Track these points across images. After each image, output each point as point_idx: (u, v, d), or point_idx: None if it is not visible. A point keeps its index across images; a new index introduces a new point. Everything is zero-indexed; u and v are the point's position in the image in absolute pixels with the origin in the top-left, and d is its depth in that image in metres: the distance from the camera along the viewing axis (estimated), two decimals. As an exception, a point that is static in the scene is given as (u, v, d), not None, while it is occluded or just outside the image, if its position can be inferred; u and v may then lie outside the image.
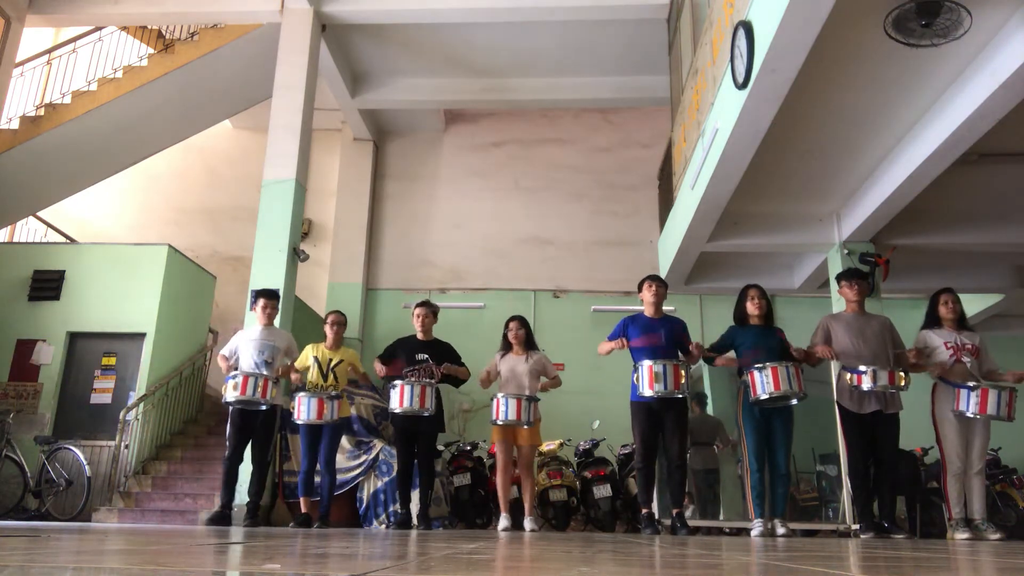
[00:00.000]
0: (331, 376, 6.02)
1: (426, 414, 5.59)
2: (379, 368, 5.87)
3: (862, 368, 4.85)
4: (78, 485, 7.33)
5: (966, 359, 5.04)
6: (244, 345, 6.04)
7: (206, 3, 8.69)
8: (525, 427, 5.62)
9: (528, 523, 5.67)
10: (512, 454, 5.82)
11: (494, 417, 5.58)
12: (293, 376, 6.08)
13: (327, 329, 6.18)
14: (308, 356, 6.12)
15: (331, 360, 6.07)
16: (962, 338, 5.13)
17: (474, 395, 8.87)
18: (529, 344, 5.90)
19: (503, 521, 5.70)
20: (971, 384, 4.88)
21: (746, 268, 8.32)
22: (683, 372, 5.01)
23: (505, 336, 5.92)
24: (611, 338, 5.38)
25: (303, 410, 5.78)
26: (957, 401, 4.89)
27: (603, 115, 11.62)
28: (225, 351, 6.11)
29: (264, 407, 5.83)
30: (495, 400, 5.61)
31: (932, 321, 5.26)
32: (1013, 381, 4.96)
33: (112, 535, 3.66)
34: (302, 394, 5.84)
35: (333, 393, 5.88)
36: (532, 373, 5.78)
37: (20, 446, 7.51)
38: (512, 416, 5.50)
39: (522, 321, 5.93)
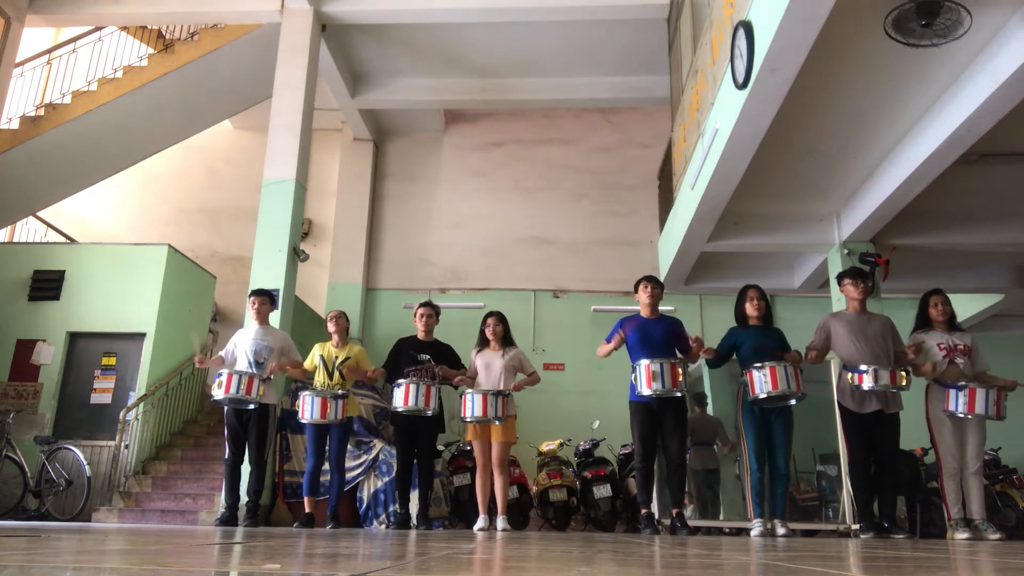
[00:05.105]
0: (336, 374, 6.02)
1: (429, 414, 5.59)
2: (380, 372, 5.89)
3: (863, 367, 4.85)
4: (78, 485, 7.34)
5: (959, 360, 5.05)
6: (240, 345, 6.06)
7: (206, 3, 8.69)
8: (496, 423, 5.55)
9: (500, 522, 5.61)
10: (489, 452, 5.71)
11: (462, 414, 5.57)
12: (295, 372, 6.10)
13: (330, 326, 6.19)
14: (315, 356, 6.13)
15: (336, 358, 6.07)
16: (954, 339, 5.14)
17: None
18: (507, 340, 5.87)
19: (480, 521, 5.69)
20: (960, 384, 4.90)
21: (746, 268, 8.32)
22: (680, 371, 5.01)
23: (482, 332, 5.89)
24: (608, 340, 5.38)
25: (307, 409, 5.78)
26: (947, 401, 4.91)
27: (603, 115, 11.62)
28: (223, 351, 6.14)
29: (252, 406, 5.84)
30: (462, 397, 5.58)
31: (923, 323, 5.26)
32: (1004, 384, 4.96)
33: (112, 535, 3.66)
34: (306, 392, 5.84)
35: (339, 392, 5.88)
36: (508, 369, 5.74)
37: (20, 446, 7.51)
38: (479, 412, 5.43)
39: (500, 317, 5.90)
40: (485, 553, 2.60)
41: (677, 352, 5.23)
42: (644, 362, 5.00)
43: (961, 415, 4.87)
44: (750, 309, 5.29)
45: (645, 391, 4.98)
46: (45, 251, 8.89)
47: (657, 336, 5.23)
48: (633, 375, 5.09)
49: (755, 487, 5.01)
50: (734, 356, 5.29)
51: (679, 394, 5.04)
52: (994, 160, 6.01)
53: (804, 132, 5.82)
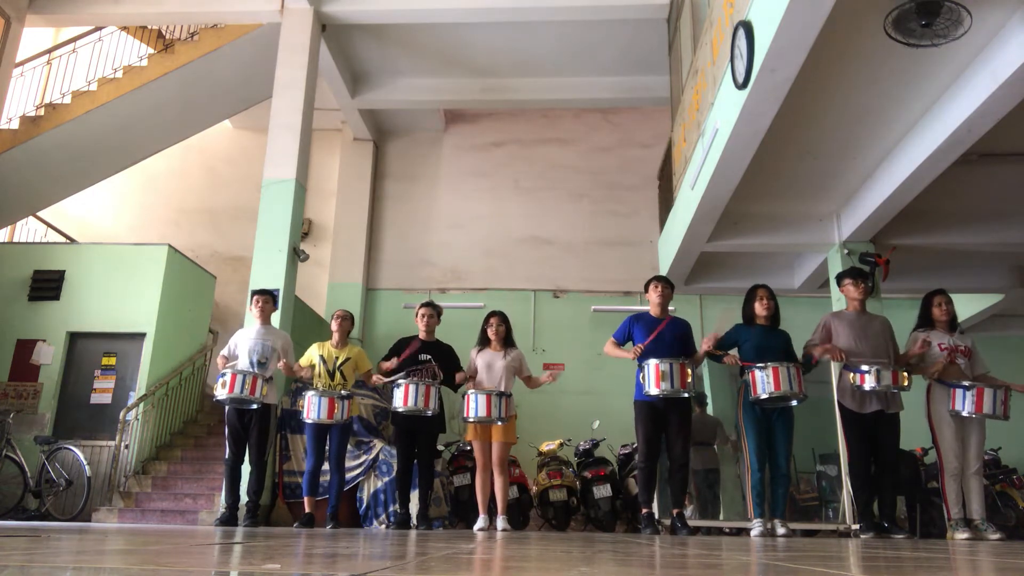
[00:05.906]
0: (338, 375, 6.02)
1: (429, 414, 5.59)
2: (385, 366, 5.85)
3: (865, 367, 4.85)
4: (78, 485, 7.33)
5: (960, 360, 5.05)
6: (241, 344, 6.06)
7: (206, 3, 8.69)
8: (498, 423, 5.55)
9: (500, 522, 5.62)
10: (489, 452, 5.71)
11: (464, 414, 5.57)
12: (301, 373, 6.10)
13: (333, 325, 6.18)
14: (314, 354, 6.12)
15: (337, 358, 6.07)
16: (955, 340, 5.14)
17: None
18: (508, 341, 5.88)
19: (480, 521, 5.69)
20: (967, 383, 4.89)
21: (746, 268, 8.32)
22: (689, 371, 5.02)
23: (484, 331, 5.89)
24: (616, 336, 5.39)
25: (313, 410, 5.78)
26: (953, 401, 4.90)
27: (603, 115, 11.62)
28: (224, 351, 6.14)
29: (255, 405, 5.84)
30: (465, 397, 5.58)
31: (925, 322, 5.26)
32: (1003, 385, 4.95)
33: (112, 535, 3.66)
34: (311, 393, 5.84)
35: (343, 393, 5.88)
36: (509, 369, 5.75)
37: (20, 446, 7.51)
38: (482, 412, 5.43)
39: (502, 317, 5.91)
40: (485, 553, 2.60)
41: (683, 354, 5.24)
42: (653, 361, 5.00)
43: (967, 415, 4.86)
44: (759, 308, 5.29)
45: (653, 390, 4.97)
46: (45, 251, 8.89)
47: (667, 336, 5.24)
48: (641, 374, 5.08)
49: (756, 487, 5.01)
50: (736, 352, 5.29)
51: (686, 395, 5.05)
52: (994, 160, 6.01)
53: (804, 132, 5.82)
